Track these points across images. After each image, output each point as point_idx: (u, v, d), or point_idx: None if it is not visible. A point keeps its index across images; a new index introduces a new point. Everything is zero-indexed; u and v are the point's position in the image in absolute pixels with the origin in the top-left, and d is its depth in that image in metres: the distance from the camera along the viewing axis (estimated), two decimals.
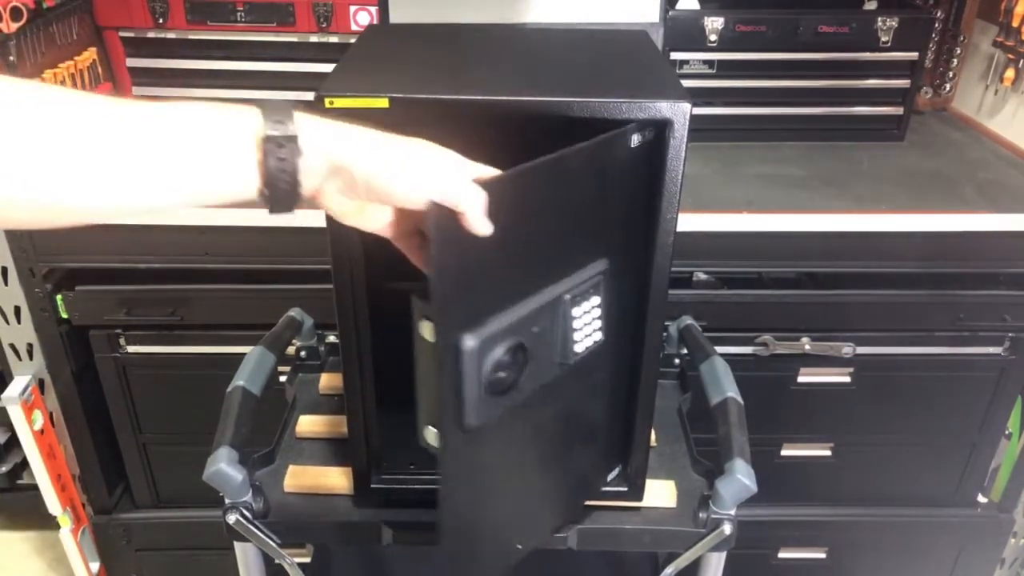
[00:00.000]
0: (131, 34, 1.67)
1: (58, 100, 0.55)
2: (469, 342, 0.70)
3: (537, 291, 0.77)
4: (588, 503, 1.04)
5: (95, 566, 1.77)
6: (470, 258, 0.68)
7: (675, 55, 1.65)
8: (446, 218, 0.65)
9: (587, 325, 0.82)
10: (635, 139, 0.80)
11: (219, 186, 0.60)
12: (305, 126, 0.62)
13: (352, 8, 1.62)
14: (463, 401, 0.71)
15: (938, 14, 1.82)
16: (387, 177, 0.65)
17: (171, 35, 1.67)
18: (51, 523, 1.70)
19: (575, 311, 0.80)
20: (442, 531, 0.76)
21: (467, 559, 0.84)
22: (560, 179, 0.74)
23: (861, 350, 1.52)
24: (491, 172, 0.70)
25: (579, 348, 0.82)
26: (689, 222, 1.32)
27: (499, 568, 0.91)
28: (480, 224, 0.66)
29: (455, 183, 0.65)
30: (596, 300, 0.82)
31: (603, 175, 0.79)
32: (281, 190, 0.61)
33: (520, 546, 0.92)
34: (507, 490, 0.86)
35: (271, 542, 1.01)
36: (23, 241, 1.43)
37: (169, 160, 0.57)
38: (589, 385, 0.90)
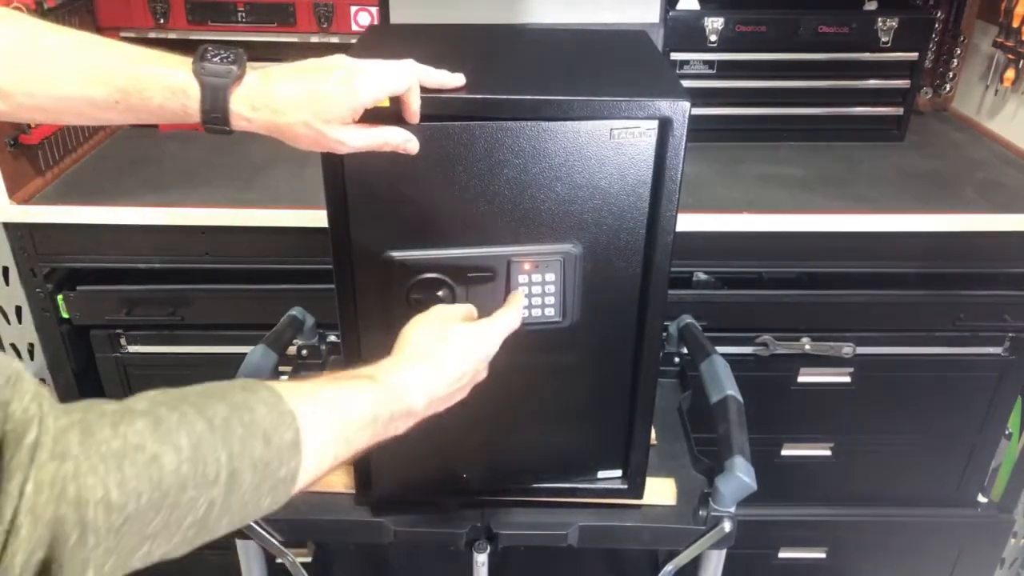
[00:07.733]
0: (132, 34, 1.67)
1: None
2: (393, 254, 0.85)
3: (478, 244, 0.86)
4: (588, 501, 1.04)
5: None
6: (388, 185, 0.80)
7: (675, 55, 1.65)
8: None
9: (536, 296, 0.89)
10: (617, 135, 0.81)
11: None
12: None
13: (352, 8, 1.62)
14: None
15: (938, 14, 1.82)
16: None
17: (172, 35, 1.66)
18: None
19: (521, 278, 0.87)
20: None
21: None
22: (504, 147, 0.82)
23: (861, 350, 1.52)
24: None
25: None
26: (689, 222, 1.33)
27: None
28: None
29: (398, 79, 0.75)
30: (551, 277, 0.88)
31: (569, 161, 0.83)
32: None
33: (465, 475, 1.01)
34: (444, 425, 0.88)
35: (273, 540, 1.02)
36: (24, 241, 1.43)
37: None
38: (552, 363, 0.94)
